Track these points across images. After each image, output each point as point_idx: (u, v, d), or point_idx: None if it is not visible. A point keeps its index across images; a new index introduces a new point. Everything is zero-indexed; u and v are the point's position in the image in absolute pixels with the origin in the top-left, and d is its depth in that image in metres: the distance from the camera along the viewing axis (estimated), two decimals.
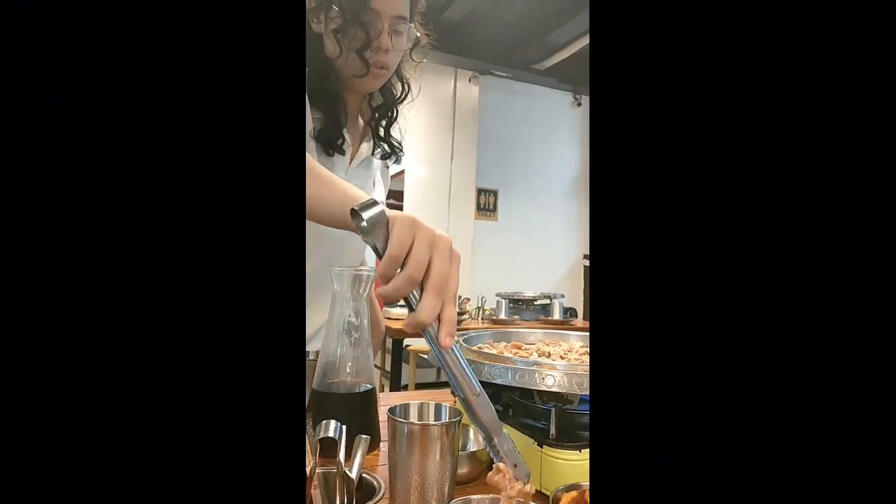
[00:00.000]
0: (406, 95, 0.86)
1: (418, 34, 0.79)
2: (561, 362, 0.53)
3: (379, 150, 0.87)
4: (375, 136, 0.86)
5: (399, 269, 0.40)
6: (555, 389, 0.48)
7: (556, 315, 2.59)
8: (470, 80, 4.02)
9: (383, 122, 0.86)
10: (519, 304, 2.64)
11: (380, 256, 0.41)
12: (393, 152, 0.89)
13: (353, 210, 0.41)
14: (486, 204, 4.09)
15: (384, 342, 2.92)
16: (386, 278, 0.41)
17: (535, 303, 2.66)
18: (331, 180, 0.53)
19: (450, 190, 3.97)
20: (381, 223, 0.41)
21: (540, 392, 0.51)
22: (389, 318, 2.46)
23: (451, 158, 4.07)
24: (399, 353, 2.39)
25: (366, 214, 0.40)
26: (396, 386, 2.38)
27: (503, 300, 2.61)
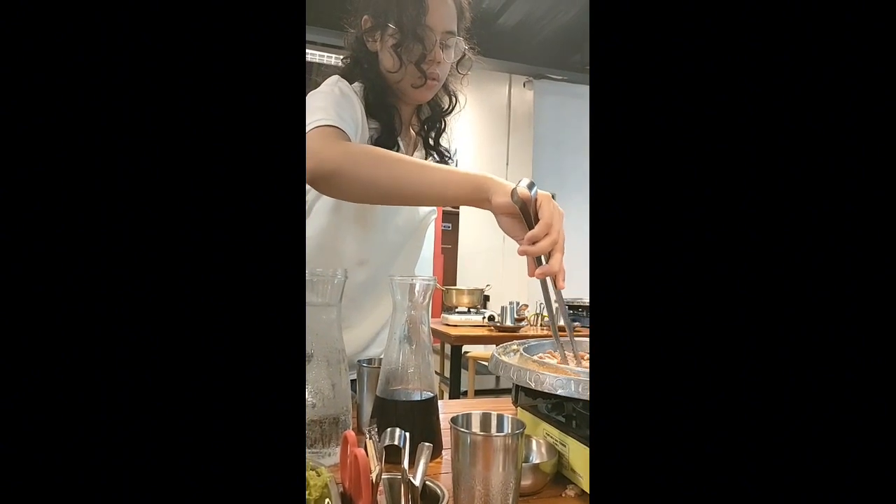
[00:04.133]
0: (453, 107, 0.91)
1: (465, 48, 0.83)
2: None
3: (430, 158, 0.91)
4: (426, 145, 0.90)
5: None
6: None
7: None
8: (524, 85, 4.00)
9: (432, 133, 0.91)
10: (578, 311, 2.58)
11: (529, 223, 0.59)
12: (443, 160, 0.92)
13: (514, 190, 0.58)
14: None
15: (443, 348, 2.93)
16: (536, 239, 0.58)
17: None
18: (446, 167, 0.70)
19: None
20: (535, 200, 0.60)
21: None
22: (448, 325, 2.48)
23: (507, 163, 4.06)
24: (458, 360, 2.39)
25: (529, 192, 0.59)
26: (456, 392, 2.38)
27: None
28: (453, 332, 2.33)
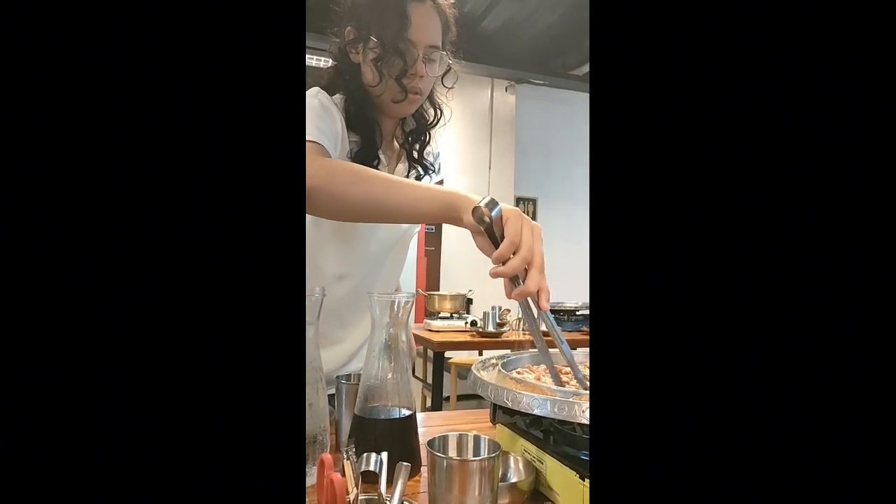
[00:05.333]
0: (438, 120, 0.90)
1: (450, 62, 0.83)
2: None
3: (414, 171, 0.90)
4: (409, 158, 0.90)
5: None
6: None
7: None
8: (506, 90, 4.02)
9: (416, 146, 0.90)
10: (560, 315, 2.61)
11: (496, 243, 0.55)
12: (427, 173, 0.92)
13: (476, 208, 0.55)
14: (526, 212, 4.04)
15: (425, 353, 2.93)
16: (503, 259, 0.54)
17: (577, 313, 2.62)
18: (415, 184, 0.65)
19: None
20: (499, 217, 0.55)
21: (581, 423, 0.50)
22: (430, 331, 2.48)
23: (489, 168, 4.08)
24: (440, 366, 2.40)
25: (489, 211, 0.54)
26: (438, 398, 2.38)
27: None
28: (436, 337, 2.33)
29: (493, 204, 0.55)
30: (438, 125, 0.91)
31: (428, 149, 0.91)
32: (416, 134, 0.90)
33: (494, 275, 0.55)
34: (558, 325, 2.90)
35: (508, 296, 0.56)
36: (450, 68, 0.84)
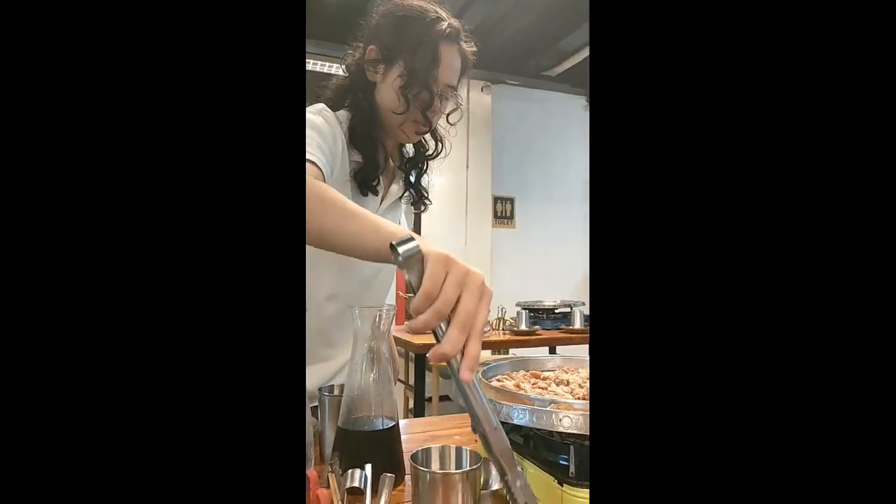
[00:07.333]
0: (438, 154, 0.92)
1: (460, 102, 0.86)
2: (579, 402, 0.54)
3: (408, 194, 0.92)
4: (406, 182, 0.91)
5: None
6: (573, 431, 0.49)
7: (578, 324, 2.58)
8: (482, 90, 4.04)
9: (413, 172, 0.92)
10: (539, 314, 2.64)
11: (414, 291, 0.43)
12: (420, 200, 0.93)
13: (391, 245, 0.44)
14: (503, 212, 4.09)
15: (407, 354, 2.94)
16: (418, 312, 0.43)
17: (556, 311, 2.65)
18: (367, 217, 0.57)
19: (466, 198, 3.99)
20: (417, 258, 0.44)
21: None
22: (412, 333, 2.48)
23: (467, 167, 4.09)
24: (422, 368, 2.41)
25: (402, 249, 0.43)
26: (420, 400, 2.39)
27: (523, 311, 2.61)
28: (417, 339, 2.34)
29: (405, 241, 0.44)
30: (437, 157, 0.92)
31: (424, 177, 0.93)
32: (415, 161, 0.92)
33: (407, 329, 0.45)
34: (537, 324, 2.85)
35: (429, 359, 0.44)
36: (458, 107, 0.86)
